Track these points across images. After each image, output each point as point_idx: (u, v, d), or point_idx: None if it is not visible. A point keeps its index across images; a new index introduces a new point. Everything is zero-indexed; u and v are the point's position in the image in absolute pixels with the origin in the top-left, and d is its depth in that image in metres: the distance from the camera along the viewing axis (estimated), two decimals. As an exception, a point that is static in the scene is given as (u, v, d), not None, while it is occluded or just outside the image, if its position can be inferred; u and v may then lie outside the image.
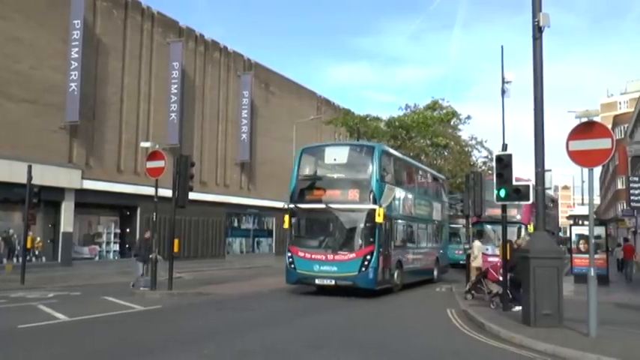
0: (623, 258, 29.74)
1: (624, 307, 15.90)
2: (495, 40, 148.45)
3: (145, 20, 34.57)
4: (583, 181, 36.97)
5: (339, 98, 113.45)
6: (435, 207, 25.29)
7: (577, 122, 10.86)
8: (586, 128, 10.75)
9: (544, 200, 12.44)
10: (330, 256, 17.58)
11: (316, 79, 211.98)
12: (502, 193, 13.88)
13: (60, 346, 9.49)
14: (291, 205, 18.50)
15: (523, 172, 21.94)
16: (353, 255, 17.45)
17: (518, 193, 13.78)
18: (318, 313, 14.32)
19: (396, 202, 19.79)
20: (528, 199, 14.05)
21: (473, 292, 16.63)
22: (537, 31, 11.99)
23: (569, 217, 52.10)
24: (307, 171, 19.15)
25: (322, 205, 17.86)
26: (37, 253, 27.84)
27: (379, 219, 17.14)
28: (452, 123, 43.24)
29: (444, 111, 42.38)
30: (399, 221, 20.26)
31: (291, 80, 50.21)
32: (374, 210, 17.27)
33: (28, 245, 22.05)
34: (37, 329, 11.03)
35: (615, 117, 62.66)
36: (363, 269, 17.21)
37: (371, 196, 17.65)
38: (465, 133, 43.54)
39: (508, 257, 14.51)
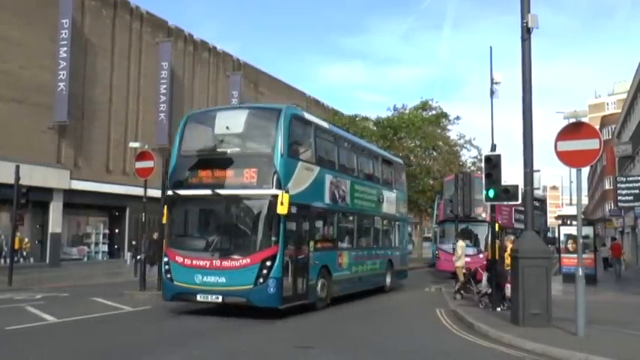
0: (610, 256, 30.76)
1: (612, 306, 16.01)
2: (486, 40, 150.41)
3: (134, 20, 34.45)
4: (571, 182, 37.37)
5: (329, 98, 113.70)
6: (387, 198, 20.40)
7: (565, 123, 10.93)
8: (574, 129, 10.82)
9: (532, 201, 12.49)
10: (217, 262, 12.77)
11: (306, 79, 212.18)
12: (491, 193, 13.94)
13: (48, 348, 9.42)
14: (169, 192, 14.00)
15: (512, 172, 21.91)
16: (247, 260, 12.58)
17: (507, 194, 13.85)
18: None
19: (319, 188, 14.88)
20: (517, 200, 14.12)
21: (462, 292, 16.70)
22: (526, 32, 12.05)
23: (558, 217, 52.49)
24: (192, 145, 14.22)
25: (208, 191, 13.21)
26: (24, 254, 27.66)
27: (282, 209, 12.40)
28: (441, 124, 43.30)
29: (433, 112, 42.44)
30: (326, 214, 15.58)
31: (281, 80, 50.17)
32: (276, 196, 12.54)
33: (16, 246, 21.92)
34: (25, 331, 10.95)
35: (603, 118, 63.13)
36: (261, 280, 12.38)
37: (274, 178, 12.79)
38: (454, 133, 43.56)
39: (497, 257, 14.58)
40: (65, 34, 28.27)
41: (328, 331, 11.60)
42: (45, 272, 25.36)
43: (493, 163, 13.99)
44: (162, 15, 38.63)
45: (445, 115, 42.90)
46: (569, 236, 23.02)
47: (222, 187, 13.20)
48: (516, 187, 13.82)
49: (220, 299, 12.79)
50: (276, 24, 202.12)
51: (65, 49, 28.19)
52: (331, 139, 16.47)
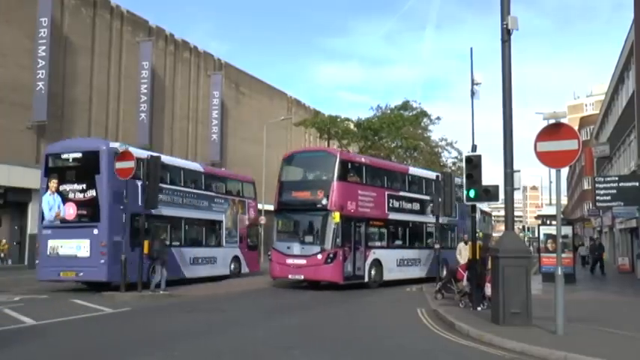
0: (588, 255, 33.71)
1: (591, 304, 16.20)
2: (469, 41, 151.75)
3: (114, 19, 34.18)
4: (551, 182, 37.66)
5: (312, 99, 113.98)
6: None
7: (545, 124, 11.03)
8: (553, 130, 10.91)
9: (512, 201, 12.58)
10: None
11: (289, 80, 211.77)
12: (472, 193, 14.04)
13: (26, 351, 9.30)
14: None
15: (493, 172, 21.95)
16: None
17: (488, 194, 13.95)
18: (289, 313, 14.29)
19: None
20: (497, 200, 14.21)
21: (443, 291, 16.77)
22: (506, 34, 12.13)
23: (538, 217, 52.93)
24: None
25: None
26: (2, 255, 27.31)
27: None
28: (422, 124, 43.52)
29: (414, 112, 42.65)
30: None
31: (262, 81, 50.11)
32: None
33: (-6, 247, 21.59)
34: (2, 334, 10.79)
35: (582, 119, 63.77)
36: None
37: None
38: (435, 134, 43.89)
39: (478, 257, 14.66)
40: (44, 32, 27.96)
41: (308, 332, 11.60)
42: (23, 274, 24.99)
43: (474, 164, 14.08)
44: (144, 14, 38.35)
45: (425, 114, 43.14)
46: (548, 236, 23.26)
47: None
48: (497, 187, 13.90)
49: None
50: (258, 25, 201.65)
51: (44, 47, 27.89)
52: None
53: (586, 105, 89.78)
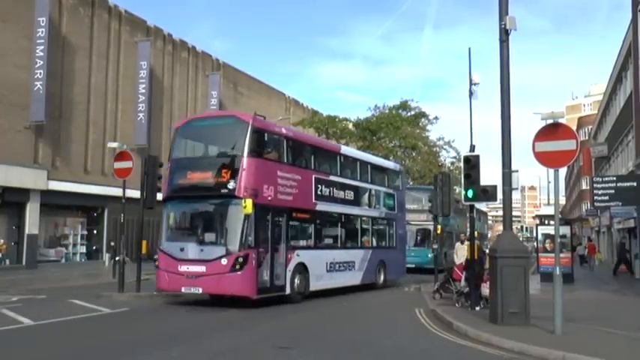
0: (587, 254, 36.53)
1: (589, 303, 16.22)
2: (466, 41, 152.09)
3: (113, 19, 34.13)
4: (549, 182, 37.72)
5: (310, 99, 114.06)
6: None
7: (543, 124, 11.04)
8: (551, 130, 10.93)
9: (511, 201, 12.60)
10: None
11: (288, 80, 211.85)
12: (470, 193, 14.06)
13: (24, 351, 9.30)
14: None
15: (491, 172, 21.76)
16: None
17: (486, 194, 13.98)
18: (282, 317, 14.29)
19: None
20: (495, 200, 14.24)
21: (441, 291, 16.78)
22: (504, 34, 12.16)
23: (536, 217, 53.00)
24: None
25: None
26: (0, 255, 27.25)
27: None
28: (420, 124, 43.59)
29: (412, 112, 42.72)
30: None
31: (260, 80, 50.06)
32: None
33: (-8, 248, 21.57)
34: (0, 334, 10.78)
35: (580, 119, 63.84)
36: None
37: None
38: (433, 134, 43.97)
39: (476, 257, 14.68)
40: (42, 32, 27.90)
41: (307, 332, 11.60)
42: (21, 274, 25.00)
43: (472, 164, 14.11)
44: (145, 13, 38.33)
45: (424, 115, 43.21)
46: (546, 236, 23.30)
47: None
48: (495, 187, 13.94)
49: None
50: (254, 26, 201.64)
51: (42, 47, 27.82)
52: None
53: (584, 105, 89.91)
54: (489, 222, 74.66)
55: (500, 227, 13.80)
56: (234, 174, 14.76)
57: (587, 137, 53.47)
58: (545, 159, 11.00)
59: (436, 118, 44.31)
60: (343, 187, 19.33)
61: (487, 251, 15.42)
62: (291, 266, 16.01)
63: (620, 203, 24.48)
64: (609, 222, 39.24)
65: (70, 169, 30.45)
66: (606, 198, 24.11)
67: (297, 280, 16.25)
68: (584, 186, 54.33)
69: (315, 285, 17.16)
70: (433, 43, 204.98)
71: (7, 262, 27.58)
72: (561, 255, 14.74)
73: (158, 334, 11.04)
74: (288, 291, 15.81)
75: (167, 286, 15.38)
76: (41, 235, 29.80)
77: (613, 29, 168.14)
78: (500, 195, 13.12)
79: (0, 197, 20.14)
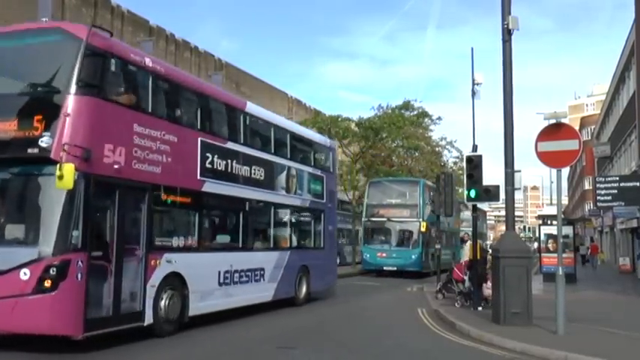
0: (589, 254, 37.83)
1: (592, 304, 16.20)
2: (469, 41, 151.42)
3: (115, 19, 34.14)
4: (552, 182, 37.81)
5: (313, 99, 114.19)
6: None
7: (546, 124, 11.03)
8: (554, 130, 10.92)
9: (513, 201, 12.56)
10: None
11: (291, 80, 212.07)
12: (472, 193, 14.05)
13: (24, 351, 9.28)
14: None
15: (494, 172, 21.75)
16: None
17: (488, 194, 13.97)
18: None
19: None
20: (498, 199, 14.24)
21: (443, 291, 16.76)
22: (507, 34, 12.14)
23: (539, 217, 52.95)
24: None
25: None
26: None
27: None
28: (423, 124, 43.52)
29: (415, 112, 42.64)
30: None
31: (263, 80, 50.06)
32: None
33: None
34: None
35: (582, 119, 63.73)
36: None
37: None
38: (436, 133, 43.88)
39: (479, 257, 14.68)
40: (45, 32, 27.93)
41: (310, 332, 11.59)
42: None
43: (474, 164, 14.09)
44: (150, 13, 38.40)
45: (427, 115, 43.16)
46: (549, 236, 23.27)
47: None
48: (497, 187, 13.93)
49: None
50: (260, 26, 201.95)
51: (45, 47, 27.85)
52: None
53: (587, 105, 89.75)
54: (491, 221, 74.64)
55: (503, 227, 13.80)
56: (50, 122, 8.79)
57: (589, 137, 53.38)
58: (548, 159, 11.00)
59: (439, 118, 44.18)
60: (249, 160, 13.45)
61: (490, 251, 15.45)
62: (155, 279, 10.11)
63: (623, 203, 24.46)
64: (612, 222, 39.17)
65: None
66: (609, 198, 24.10)
67: (165, 302, 10.34)
68: (587, 186, 54.21)
69: (197, 307, 11.31)
70: (436, 42, 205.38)
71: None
72: (564, 255, 14.74)
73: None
74: (149, 320, 9.91)
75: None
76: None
77: (616, 29, 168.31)
78: (502, 195, 13.13)
79: None
